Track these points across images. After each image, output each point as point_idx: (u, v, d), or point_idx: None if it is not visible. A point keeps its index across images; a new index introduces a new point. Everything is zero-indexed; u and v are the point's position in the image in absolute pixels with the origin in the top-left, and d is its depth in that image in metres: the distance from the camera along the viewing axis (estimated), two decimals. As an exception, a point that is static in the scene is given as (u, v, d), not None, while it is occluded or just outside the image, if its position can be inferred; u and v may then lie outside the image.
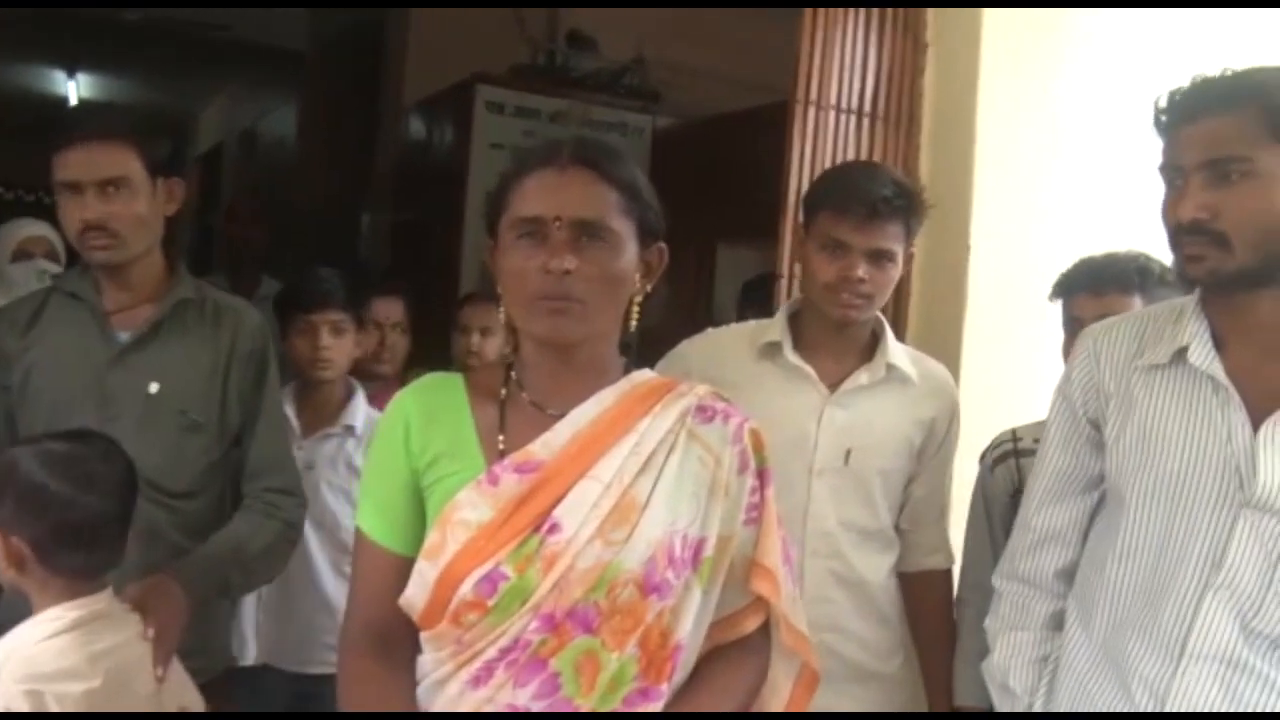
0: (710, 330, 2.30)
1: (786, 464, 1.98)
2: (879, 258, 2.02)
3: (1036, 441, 2.07)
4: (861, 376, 2.11)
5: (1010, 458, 2.23)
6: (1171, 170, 1.55)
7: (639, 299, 1.53)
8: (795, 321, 2.16)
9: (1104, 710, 1.58)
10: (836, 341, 2.12)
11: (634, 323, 1.54)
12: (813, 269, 2.07)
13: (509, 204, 1.47)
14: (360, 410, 2.67)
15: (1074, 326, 2.17)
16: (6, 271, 3.18)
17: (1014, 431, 2.27)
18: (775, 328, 2.14)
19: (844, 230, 2.01)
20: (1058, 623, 1.71)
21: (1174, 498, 1.53)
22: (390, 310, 2.98)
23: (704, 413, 1.52)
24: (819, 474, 2.08)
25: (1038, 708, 1.68)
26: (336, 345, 2.62)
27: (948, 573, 2.25)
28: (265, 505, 2.21)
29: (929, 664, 2.21)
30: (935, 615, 2.22)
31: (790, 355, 2.11)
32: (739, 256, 5.28)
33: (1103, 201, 2.98)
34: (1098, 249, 2.31)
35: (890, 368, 2.12)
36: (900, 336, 2.92)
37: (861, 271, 2.01)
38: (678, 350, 2.24)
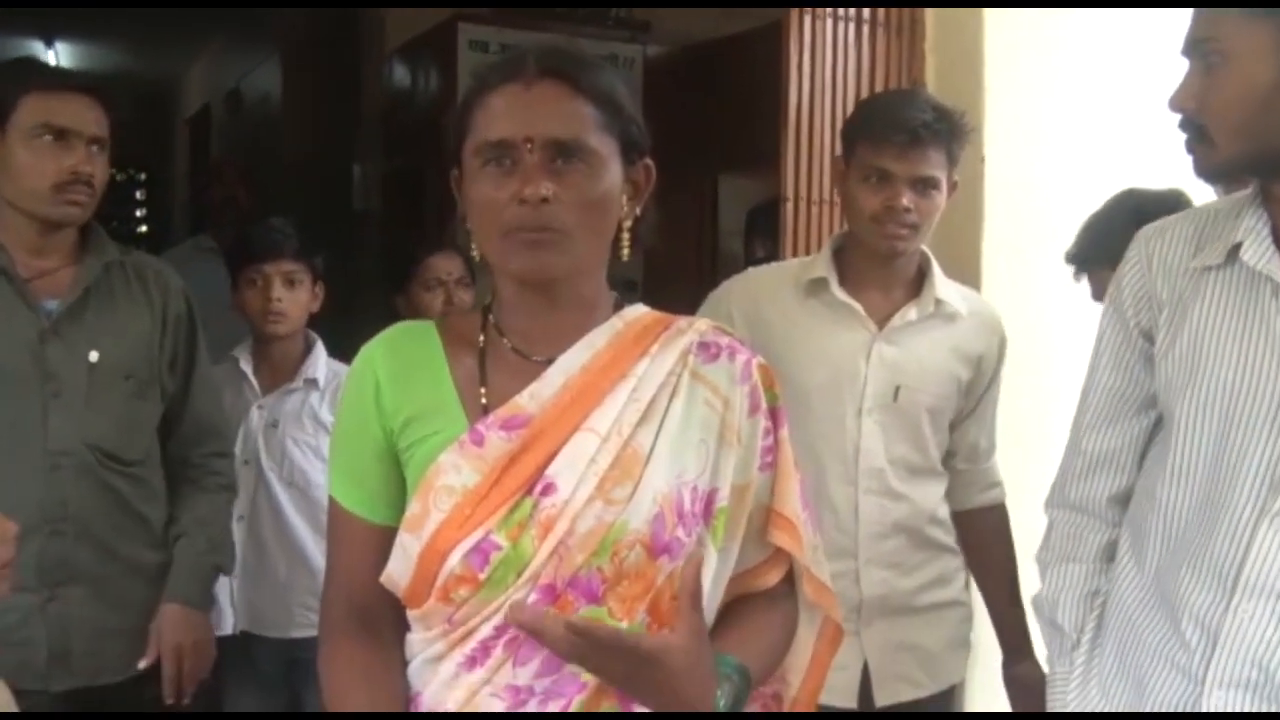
0: (751, 269, 2.29)
1: (836, 402, 2.07)
2: (923, 185, 2.00)
3: None
4: (910, 312, 2.09)
5: None
6: (1199, 45, 1.41)
7: (628, 224, 1.37)
8: (840, 257, 2.12)
9: (1151, 648, 1.46)
10: (883, 276, 2.10)
11: (625, 251, 1.38)
12: (856, 201, 2.04)
13: (473, 126, 1.30)
14: (321, 362, 2.58)
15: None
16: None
17: None
18: (820, 264, 2.11)
19: (886, 159, 1.99)
20: (1112, 553, 1.58)
21: (1227, 414, 1.39)
22: (451, 265, 2.85)
23: (707, 350, 1.37)
24: (868, 412, 2.07)
25: (1084, 644, 1.57)
26: (290, 297, 2.51)
27: (1001, 507, 2.25)
28: (212, 475, 2.21)
29: (994, 590, 2.24)
30: (994, 550, 2.23)
31: (837, 292, 2.08)
32: (741, 185, 5.15)
33: (1118, 98, 2.83)
34: (1116, 154, 2.20)
35: (939, 303, 2.10)
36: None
37: (906, 200, 1.99)
38: (718, 291, 2.20)
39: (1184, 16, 1.44)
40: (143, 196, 12.18)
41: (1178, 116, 1.41)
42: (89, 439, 2.01)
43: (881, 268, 2.08)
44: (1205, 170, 1.43)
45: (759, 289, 2.14)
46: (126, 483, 2.06)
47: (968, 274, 2.79)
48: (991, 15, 2.78)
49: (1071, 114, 2.82)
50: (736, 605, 1.40)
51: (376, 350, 1.37)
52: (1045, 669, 2.15)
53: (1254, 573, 1.35)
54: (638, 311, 1.40)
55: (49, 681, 1.99)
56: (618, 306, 1.40)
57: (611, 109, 1.31)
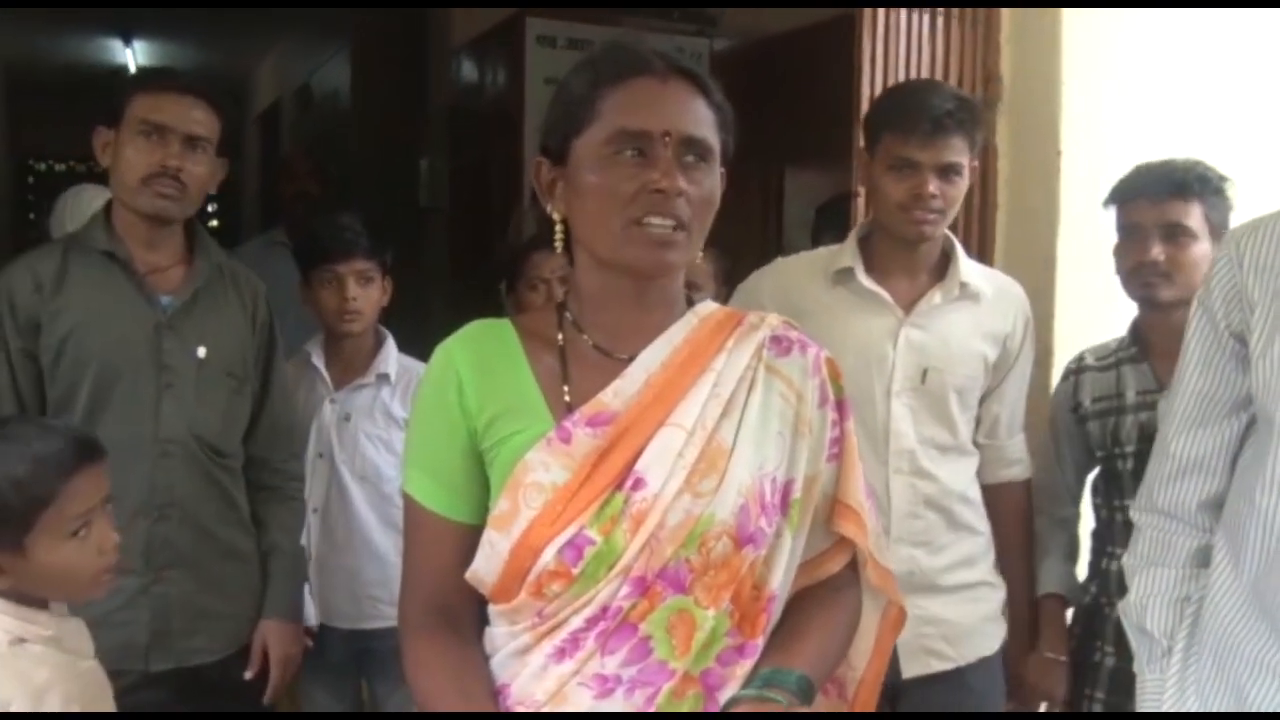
0: (780, 260, 2.31)
1: (865, 386, 2.10)
2: (947, 172, 2.06)
3: (1097, 359, 2.31)
4: (935, 296, 2.14)
5: (1072, 375, 2.35)
6: None
7: None
8: (865, 245, 2.18)
9: (1249, 660, 1.41)
10: (909, 262, 2.15)
11: (699, 254, 1.41)
12: (883, 190, 2.09)
13: (599, 115, 1.31)
14: (393, 357, 2.59)
15: (1130, 234, 2.22)
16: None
17: (1082, 353, 2.38)
18: (846, 253, 2.16)
19: (911, 148, 2.04)
20: (1202, 559, 1.53)
21: None
22: (553, 264, 2.82)
23: (780, 344, 1.40)
24: (897, 394, 2.12)
25: (1177, 652, 1.52)
26: (364, 295, 2.52)
27: (1026, 483, 2.31)
28: (291, 481, 2.34)
29: (1010, 569, 2.30)
30: (1015, 523, 2.30)
31: (864, 279, 2.13)
32: (807, 180, 5.11)
33: (1200, 97, 2.76)
34: (1195, 148, 2.25)
35: (963, 285, 2.15)
36: (988, 249, 2.80)
37: (933, 187, 2.04)
38: (748, 283, 2.26)
39: (1263, 13, 1.39)
40: (214, 191, 12.36)
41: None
42: (196, 430, 2.11)
43: (907, 254, 2.13)
44: None
45: (789, 280, 2.19)
46: (224, 473, 2.17)
47: (1044, 271, 2.75)
48: (1069, 8, 2.72)
49: (1149, 108, 2.75)
50: (802, 599, 1.42)
51: (456, 348, 1.38)
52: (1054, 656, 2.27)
53: None
54: (710, 308, 1.43)
55: (149, 662, 2.07)
56: (689, 303, 1.42)
57: (724, 116, 1.36)
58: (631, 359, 1.35)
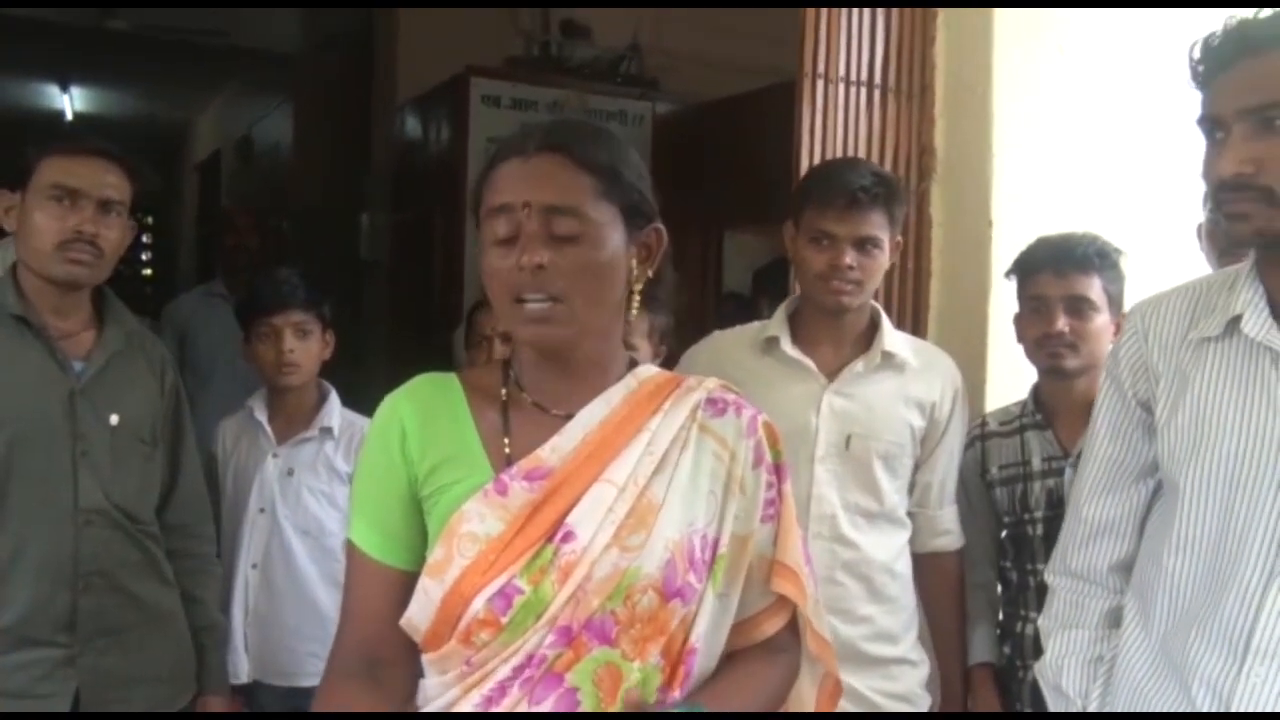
0: (715, 333, 2.37)
1: (790, 452, 2.06)
2: (865, 245, 2.11)
3: (1000, 424, 2.38)
4: (858, 365, 2.18)
5: (977, 441, 2.39)
6: (1210, 122, 1.43)
7: (638, 286, 1.41)
8: (794, 316, 2.24)
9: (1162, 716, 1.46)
10: (834, 332, 2.20)
11: (634, 311, 1.43)
12: (804, 261, 2.15)
13: (483, 199, 1.37)
14: (336, 411, 2.58)
15: (1034, 305, 2.29)
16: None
17: (984, 417, 2.45)
18: (774, 324, 2.23)
19: (829, 221, 2.11)
20: (1114, 620, 1.59)
21: (1232, 482, 1.41)
22: (494, 320, 2.78)
23: (715, 405, 1.43)
24: (821, 460, 2.15)
25: (1092, 710, 1.57)
26: (301, 348, 2.52)
27: (957, 553, 2.32)
28: (210, 545, 2.33)
29: (940, 639, 2.33)
30: (945, 594, 2.32)
31: (788, 348, 2.18)
32: (746, 242, 5.19)
33: (1128, 167, 2.86)
34: (1121, 219, 2.38)
35: (886, 354, 2.19)
36: (922, 316, 2.87)
37: (849, 259, 2.10)
38: (683, 360, 2.30)
39: (1185, 93, 1.46)
40: (149, 240, 12.26)
41: (1218, 186, 1.41)
42: (113, 498, 2.06)
43: (831, 324, 2.18)
44: (1262, 234, 1.40)
45: (721, 351, 2.24)
46: (145, 538, 2.13)
47: (975, 337, 2.82)
48: (1001, 83, 2.81)
49: (1080, 181, 2.85)
50: (734, 657, 1.44)
51: (402, 400, 1.41)
52: None
53: (1265, 637, 1.36)
54: (650, 371, 1.46)
55: None
56: (631, 365, 1.45)
57: (610, 178, 1.35)
58: (570, 417, 1.37)
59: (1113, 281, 2.26)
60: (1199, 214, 2.37)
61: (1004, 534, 2.38)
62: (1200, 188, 2.40)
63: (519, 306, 1.32)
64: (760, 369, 2.16)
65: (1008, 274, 2.38)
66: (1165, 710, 1.46)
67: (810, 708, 1.51)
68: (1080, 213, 2.64)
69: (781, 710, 1.50)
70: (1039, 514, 2.26)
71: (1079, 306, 2.24)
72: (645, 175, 1.42)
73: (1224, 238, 2.27)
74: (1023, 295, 2.34)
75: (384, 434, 1.39)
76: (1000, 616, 2.41)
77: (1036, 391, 2.38)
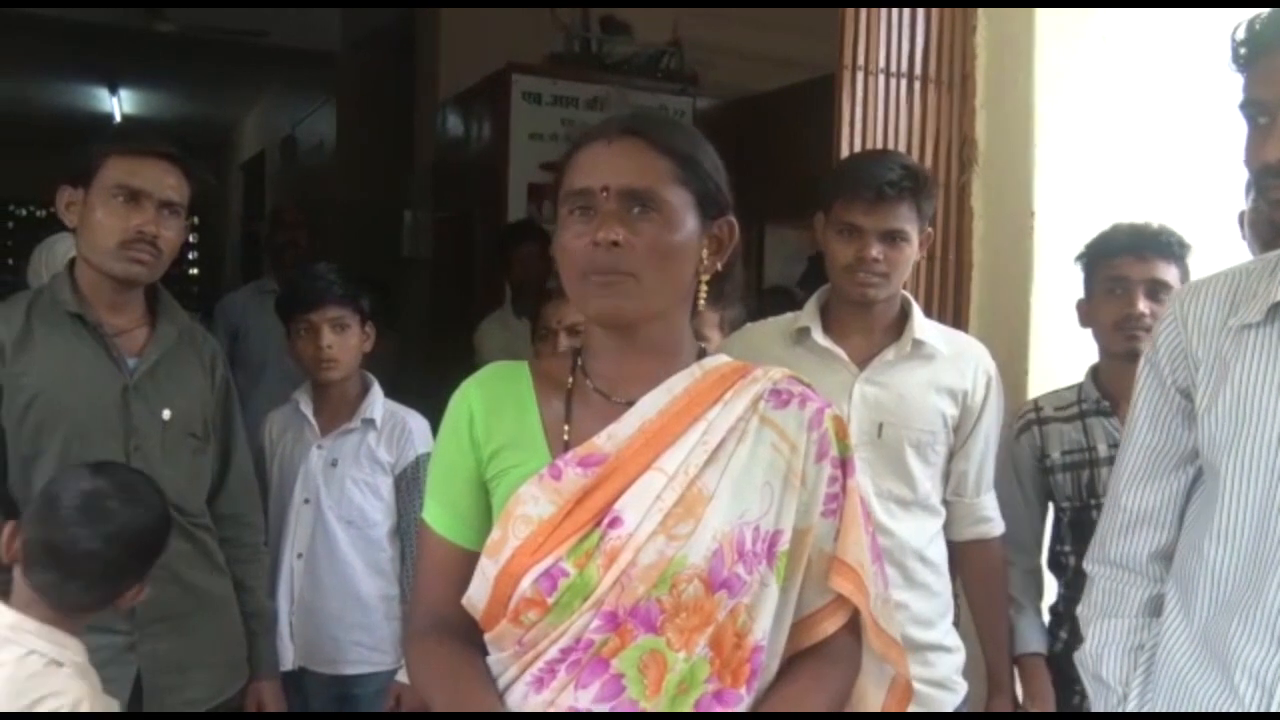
0: (748, 325, 2.38)
1: None
2: (892, 238, 2.12)
3: (1056, 409, 2.38)
4: (889, 353, 2.19)
5: (1034, 425, 2.40)
6: (1255, 107, 1.40)
7: (706, 277, 1.43)
8: (825, 308, 2.25)
9: (1203, 704, 1.45)
10: (864, 322, 2.21)
11: (701, 302, 1.45)
12: (832, 253, 2.18)
13: (563, 181, 1.41)
14: (378, 403, 2.61)
15: (1114, 286, 2.29)
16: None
17: (1036, 401, 2.45)
18: (805, 314, 2.24)
19: (856, 214, 2.12)
20: (1154, 608, 1.58)
21: (1273, 469, 1.39)
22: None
23: (779, 396, 1.43)
24: (854, 449, 2.06)
25: (1132, 699, 1.56)
26: (339, 342, 2.54)
27: (996, 540, 2.31)
28: (260, 534, 2.38)
29: (984, 627, 2.33)
30: (986, 581, 2.33)
31: (819, 338, 2.20)
32: (787, 237, 5.18)
33: (1171, 157, 2.84)
34: (1164, 211, 2.34)
35: (917, 343, 2.19)
36: (963, 307, 2.86)
37: (875, 252, 2.11)
38: (720, 347, 2.26)
39: (1228, 79, 1.45)
40: (195, 239, 12.45)
41: (1262, 171, 1.39)
42: (166, 491, 2.07)
43: (861, 314, 2.19)
44: None
45: (753, 342, 2.24)
46: (196, 528, 2.18)
47: (1017, 328, 2.81)
48: (1042, 73, 2.80)
49: (1123, 172, 2.83)
50: (794, 668, 1.43)
51: (472, 387, 1.47)
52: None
53: None
54: (717, 360, 1.46)
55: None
56: (700, 355, 1.46)
57: (688, 165, 1.38)
58: (630, 404, 1.39)
59: (1185, 274, 2.26)
60: (1241, 202, 2.35)
61: (1065, 519, 2.37)
62: (1242, 175, 2.41)
63: (590, 279, 1.35)
64: (792, 359, 2.14)
65: (1078, 258, 2.37)
66: (1208, 697, 1.45)
67: (877, 709, 1.49)
68: (1123, 203, 2.62)
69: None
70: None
71: (1158, 291, 2.23)
72: (721, 168, 1.45)
73: (1266, 225, 2.26)
74: (1097, 278, 2.33)
75: (454, 419, 1.45)
76: (1054, 601, 2.41)
77: (1096, 375, 2.37)
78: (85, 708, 1.65)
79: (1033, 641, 2.34)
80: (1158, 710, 1.52)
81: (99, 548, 1.74)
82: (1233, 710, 1.41)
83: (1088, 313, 2.37)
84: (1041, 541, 2.43)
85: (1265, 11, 1.40)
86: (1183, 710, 1.48)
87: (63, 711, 1.63)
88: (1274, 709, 1.37)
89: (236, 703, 2.28)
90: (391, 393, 2.68)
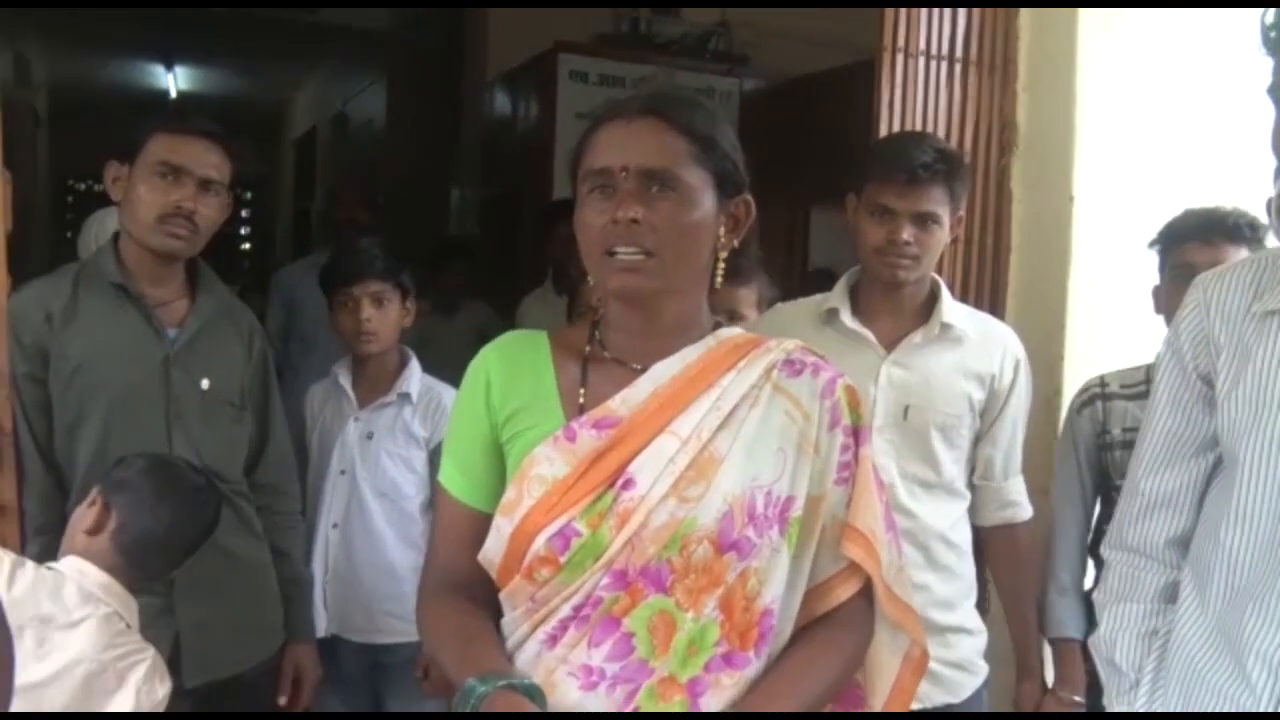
0: (778, 305, 2.40)
1: None
2: (923, 220, 2.12)
3: (1123, 386, 2.36)
4: (916, 336, 2.19)
5: (1097, 400, 2.38)
6: None
7: (724, 254, 1.46)
8: (855, 289, 2.26)
9: (1215, 690, 1.46)
10: (892, 304, 2.21)
11: (719, 280, 1.48)
12: (863, 234, 2.17)
13: (583, 159, 1.43)
14: (415, 377, 2.64)
15: (1182, 274, 2.22)
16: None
17: (1102, 377, 2.41)
18: (835, 296, 2.24)
19: (888, 196, 2.11)
20: (1170, 595, 1.57)
21: None
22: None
23: (792, 366, 1.46)
24: (879, 430, 2.14)
25: (1145, 685, 1.56)
26: (378, 316, 2.58)
27: (1016, 527, 2.31)
28: (296, 502, 2.44)
29: (1012, 612, 2.35)
30: (1013, 565, 2.33)
31: (848, 320, 2.20)
32: (833, 219, 5.16)
33: (1210, 145, 2.82)
34: (1204, 196, 2.32)
35: (945, 326, 2.19)
36: (1001, 291, 2.86)
37: (907, 234, 2.11)
38: (748, 326, 2.27)
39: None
40: (247, 214, 12.60)
41: None
42: (204, 458, 2.16)
43: (890, 296, 2.19)
44: None
45: (783, 322, 2.23)
46: (234, 495, 2.23)
47: (1055, 312, 2.81)
48: (1084, 55, 2.79)
49: (1163, 154, 2.82)
50: (806, 634, 1.44)
51: (491, 353, 1.51)
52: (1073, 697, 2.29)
53: None
54: (732, 332, 1.50)
55: (184, 678, 2.12)
56: (716, 328, 1.49)
57: (706, 145, 1.40)
58: (645, 371, 1.43)
59: None
60: (1270, 188, 2.33)
61: (1116, 498, 2.35)
62: (1271, 162, 2.40)
63: (610, 258, 1.38)
64: (820, 340, 2.13)
65: (1151, 244, 2.36)
66: (1220, 684, 1.46)
67: (892, 679, 1.51)
68: (1164, 188, 2.61)
69: (858, 682, 1.50)
70: None
71: None
72: (738, 147, 1.46)
73: None
74: (1168, 265, 2.32)
75: (472, 384, 1.49)
76: (1092, 586, 2.36)
77: None
78: (157, 665, 1.75)
79: (1069, 625, 2.33)
80: (1169, 695, 1.53)
81: (196, 538, 1.94)
82: (1243, 696, 1.42)
83: (1160, 298, 2.35)
84: (1091, 523, 2.41)
85: None
86: (1194, 697, 1.49)
87: (145, 668, 1.72)
88: None
89: (272, 665, 2.34)
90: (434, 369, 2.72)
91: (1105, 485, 2.39)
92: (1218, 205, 2.29)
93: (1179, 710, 1.50)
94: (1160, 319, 2.36)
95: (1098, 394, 2.38)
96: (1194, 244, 2.25)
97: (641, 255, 1.37)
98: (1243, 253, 2.21)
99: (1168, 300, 2.31)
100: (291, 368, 3.90)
